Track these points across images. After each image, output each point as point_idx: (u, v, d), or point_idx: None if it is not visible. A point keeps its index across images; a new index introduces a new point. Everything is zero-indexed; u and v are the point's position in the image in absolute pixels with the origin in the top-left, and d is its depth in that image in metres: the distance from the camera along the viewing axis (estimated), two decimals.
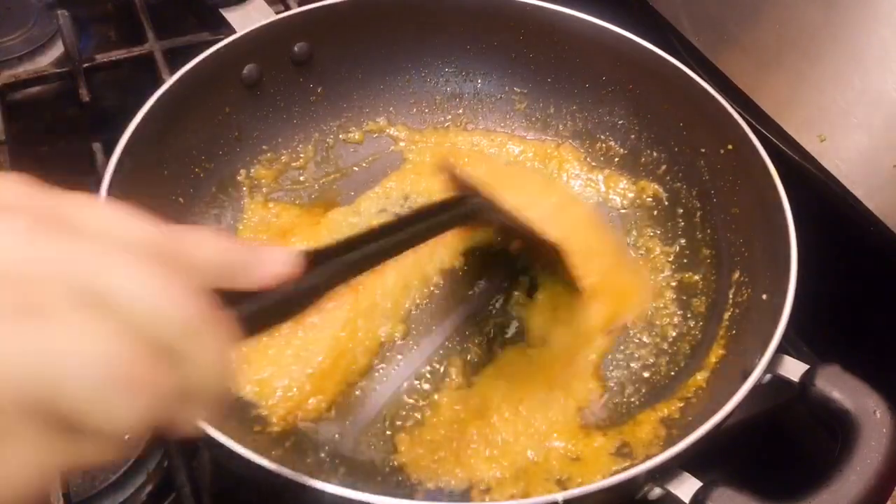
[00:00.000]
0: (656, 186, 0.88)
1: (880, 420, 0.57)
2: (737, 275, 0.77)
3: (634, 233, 0.87)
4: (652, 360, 0.76)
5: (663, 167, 0.88)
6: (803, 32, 0.80)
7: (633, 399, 0.73)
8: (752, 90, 0.85)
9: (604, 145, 0.93)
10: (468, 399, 0.71)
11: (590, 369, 0.74)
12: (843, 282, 0.82)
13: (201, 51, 0.79)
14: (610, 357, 0.76)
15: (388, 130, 0.94)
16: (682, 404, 0.70)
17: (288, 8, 1.00)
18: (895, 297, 0.79)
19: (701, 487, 0.55)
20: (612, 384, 0.74)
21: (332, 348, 0.73)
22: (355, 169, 0.91)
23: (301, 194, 0.88)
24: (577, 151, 0.93)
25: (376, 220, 0.84)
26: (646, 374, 0.75)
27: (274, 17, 0.86)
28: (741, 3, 0.86)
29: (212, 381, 0.34)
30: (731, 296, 0.76)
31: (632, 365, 0.75)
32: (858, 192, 0.76)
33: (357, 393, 0.72)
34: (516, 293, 0.80)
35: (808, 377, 0.60)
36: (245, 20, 0.88)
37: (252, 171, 0.86)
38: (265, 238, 0.81)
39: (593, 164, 0.93)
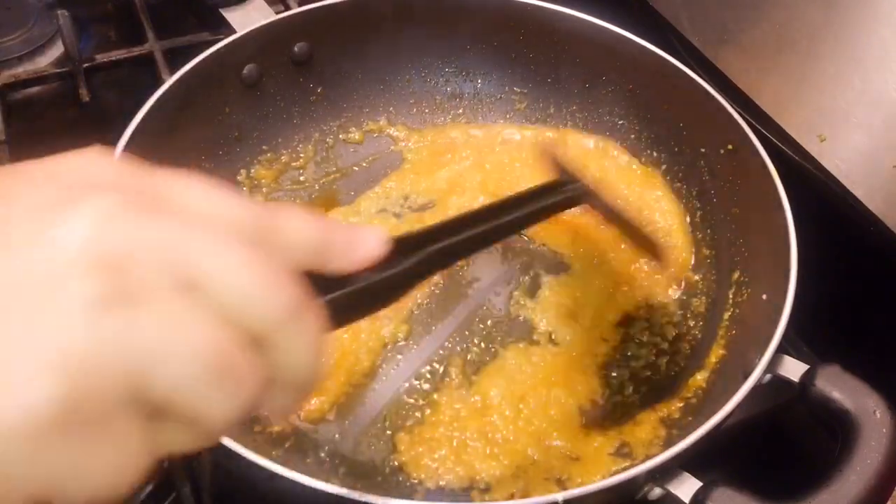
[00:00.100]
0: None
1: (880, 420, 0.57)
2: (737, 275, 0.77)
3: None
4: (652, 360, 0.76)
5: (663, 167, 0.88)
6: (803, 32, 0.80)
7: (633, 399, 0.73)
8: (752, 90, 0.85)
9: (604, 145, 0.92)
10: (468, 398, 0.71)
11: (593, 368, 0.74)
12: (843, 282, 0.82)
13: (201, 51, 0.79)
14: (610, 357, 0.76)
15: (388, 130, 0.94)
16: (682, 404, 0.70)
17: (288, 8, 1.00)
18: (895, 297, 0.79)
19: (701, 487, 0.55)
20: (612, 384, 0.74)
21: (335, 349, 0.73)
22: (355, 169, 0.91)
23: (301, 194, 0.88)
24: None
25: (376, 220, 0.85)
26: (646, 374, 0.75)
27: (274, 17, 0.86)
28: (741, 3, 0.86)
29: (304, 371, 0.32)
30: (731, 296, 0.76)
31: (632, 364, 0.75)
32: (858, 192, 0.76)
33: (357, 393, 0.72)
34: (517, 293, 0.80)
35: (808, 377, 0.60)
36: (245, 20, 0.88)
37: (252, 171, 0.86)
38: None
39: None
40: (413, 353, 0.75)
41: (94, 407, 0.26)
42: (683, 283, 0.81)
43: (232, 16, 0.91)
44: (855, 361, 0.61)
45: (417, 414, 0.70)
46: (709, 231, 0.83)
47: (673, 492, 0.56)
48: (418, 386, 0.73)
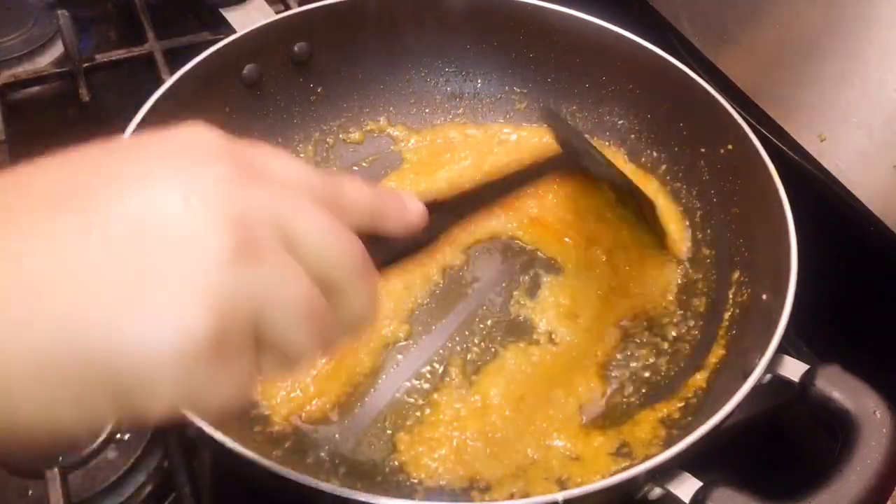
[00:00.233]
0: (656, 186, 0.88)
1: (880, 420, 0.57)
2: (737, 275, 0.77)
3: None
4: (652, 360, 0.76)
5: (663, 167, 0.88)
6: (803, 32, 0.80)
7: (632, 399, 0.73)
8: (752, 90, 0.85)
9: (604, 145, 0.92)
10: (468, 398, 0.71)
11: (593, 368, 0.74)
12: (843, 282, 0.82)
13: (201, 51, 0.80)
14: (610, 357, 0.76)
15: (388, 130, 0.94)
16: (682, 404, 0.70)
17: (288, 8, 1.00)
18: (895, 297, 0.79)
19: (701, 487, 0.55)
20: (612, 383, 0.74)
21: (336, 350, 0.73)
22: (355, 169, 0.91)
23: None
24: None
25: None
26: (646, 374, 0.75)
27: (274, 17, 0.86)
28: (741, 3, 0.86)
29: (365, 315, 0.39)
30: (731, 296, 0.76)
31: (632, 364, 0.75)
32: (858, 192, 0.76)
33: (357, 393, 0.72)
34: (517, 293, 0.80)
35: (808, 377, 0.60)
36: (245, 20, 0.88)
37: None
38: None
39: None
40: (413, 352, 0.75)
41: (231, 338, 0.32)
42: (681, 276, 0.81)
43: (232, 16, 0.91)
44: (855, 361, 0.61)
45: (417, 414, 0.70)
46: (709, 231, 0.83)
47: (673, 492, 0.56)
48: (418, 386, 0.73)
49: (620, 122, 0.92)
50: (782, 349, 0.62)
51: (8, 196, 0.32)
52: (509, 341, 0.76)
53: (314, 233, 0.35)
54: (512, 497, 0.64)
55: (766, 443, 0.80)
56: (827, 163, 0.78)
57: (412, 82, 0.95)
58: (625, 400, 0.73)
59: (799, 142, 0.80)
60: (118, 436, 0.70)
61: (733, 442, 0.67)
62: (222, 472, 0.71)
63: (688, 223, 0.85)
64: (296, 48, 0.87)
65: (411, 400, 0.72)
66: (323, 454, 0.68)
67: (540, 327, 0.77)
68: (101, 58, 0.98)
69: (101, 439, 0.69)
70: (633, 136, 0.91)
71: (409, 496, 0.65)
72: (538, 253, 0.83)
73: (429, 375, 0.73)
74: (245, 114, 0.86)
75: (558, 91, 0.94)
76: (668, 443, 0.63)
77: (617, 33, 0.87)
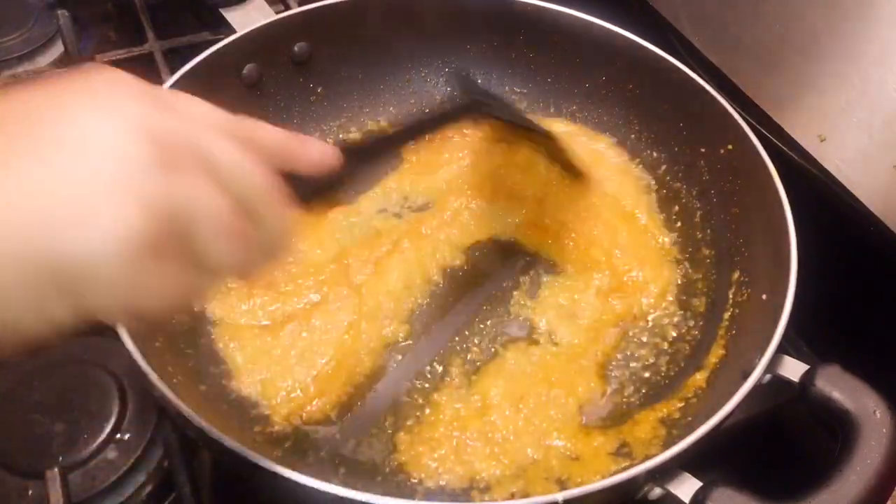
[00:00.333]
0: (656, 186, 0.88)
1: (880, 420, 0.57)
2: (737, 275, 0.77)
3: None
4: (652, 360, 0.76)
5: (663, 167, 0.88)
6: (803, 32, 0.80)
7: (632, 399, 0.73)
8: (752, 90, 0.85)
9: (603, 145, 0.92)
10: (468, 398, 0.71)
11: (593, 368, 0.74)
12: (843, 282, 0.82)
13: (201, 51, 0.80)
14: (610, 357, 0.76)
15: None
16: (681, 404, 0.70)
17: (288, 8, 1.00)
18: (895, 297, 0.79)
19: (701, 487, 0.55)
20: (612, 383, 0.74)
21: (337, 350, 0.73)
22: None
23: None
24: None
25: (376, 220, 0.85)
26: (646, 374, 0.75)
27: (274, 17, 0.87)
28: (741, 3, 0.86)
29: (283, 241, 0.44)
30: (731, 296, 0.76)
31: (632, 365, 0.75)
32: (858, 192, 0.76)
33: (358, 393, 0.72)
34: (516, 293, 0.80)
35: (808, 377, 0.60)
36: (245, 20, 0.88)
37: None
38: None
39: None
40: (413, 353, 0.75)
41: (163, 240, 0.37)
42: (681, 276, 0.81)
43: (232, 16, 0.91)
44: (855, 361, 0.61)
45: (417, 414, 0.70)
46: (709, 231, 0.83)
47: (673, 492, 0.56)
48: (419, 385, 0.73)
49: (620, 122, 0.92)
50: (782, 349, 0.62)
51: None
52: (509, 341, 0.76)
53: (229, 161, 0.40)
54: (512, 497, 0.64)
55: (766, 443, 0.80)
56: (827, 163, 0.78)
57: (412, 82, 0.95)
58: (625, 400, 0.73)
59: (799, 142, 0.81)
60: (118, 436, 0.70)
61: (733, 442, 0.67)
62: (222, 472, 0.71)
63: (687, 223, 0.85)
64: (296, 48, 0.87)
65: (411, 400, 0.72)
66: (323, 454, 0.68)
67: (540, 327, 0.77)
68: (101, 58, 0.98)
69: (101, 439, 0.69)
70: (633, 136, 0.91)
71: (409, 496, 0.65)
72: (538, 253, 0.83)
73: (429, 375, 0.73)
74: (245, 114, 0.84)
75: (558, 91, 0.94)
76: (668, 443, 0.63)
77: (617, 33, 0.87)
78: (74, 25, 0.95)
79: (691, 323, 0.78)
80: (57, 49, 1.03)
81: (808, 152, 0.80)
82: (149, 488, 0.69)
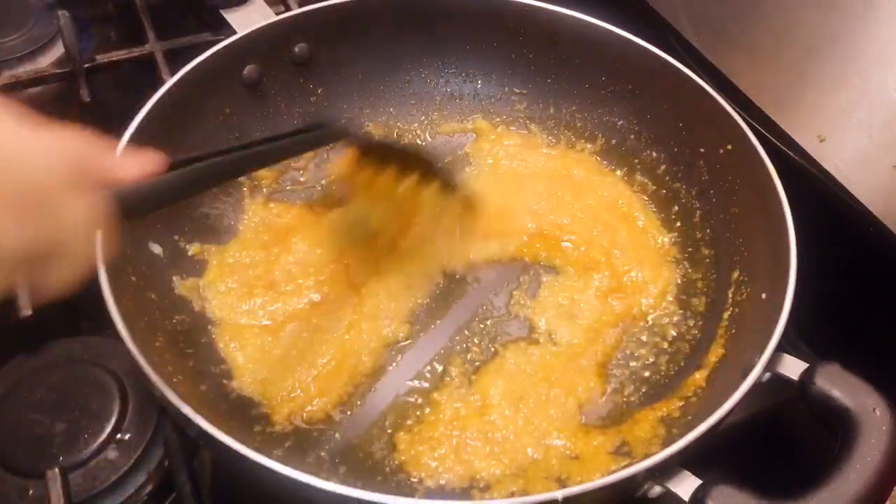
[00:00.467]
0: (656, 186, 0.88)
1: (880, 418, 0.57)
2: (736, 274, 0.77)
3: None
4: (652, 360, 0.76)
5: (663, 167, 0.89)
6: (803, 32, 0.80)
7: (632, 398, 0.73)
8: (752, 90, 0.85)
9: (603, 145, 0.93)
10: (468, 397, 0.71)
11: (593, 367, 0.74)
12: (843, 281, 0.82)
13: (202, 51, 0.80)
14: (610, 356, 0.76)
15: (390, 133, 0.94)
16: (681, 403, 0.70)
17: (288, 8, 1.00)
18: (895, 296, 0.79)
19: (700, 485, 0.55)
20: (612, 383, 0.74)
21: (337, 350, 0.73)
22: None
23: (301, 194, 0.88)
24: None
25: (376, 221, 0.84)
26: (646, 374, 0.75)
27: (274, 18, 0.87)
28: (741, 3, 0.86)
29: (80, 239, 0.44)
30: (730, 295, 0.76)
31: (632, 364, 0.75)
32: (858, 193, 0.76)
33: (358, 392, 0.72)
34: (517, 293, 0.80)
35: (807, 375, 0.60)
36: (245, 21, 0.89)
37: None
38: (266, 238, 0.82)
39: None
40: (413, 352, 0.75)
41: None
42: (681, 275, 0.81)
43: (232, 16, 0.91)
44: (854, 360, 0.61)
45: (417, 413, 0.71)
46: (708, 231, 0.83)
47: (672, 490, 0.56)
48: (419, 385, 0.73)
49: (620, 122, 0.92)
50: (781, 348, 0.62)
51: None
52: (509, 341, 0.76)
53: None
54: (512, 496, 0.64)
55: (765, 441, 0.80)
56: (826, 163, 0.78)
57: (412, 82, 0.95)
58: (624, 399, 0.73)
59: (798, 142, 0.81)
60: (119, 436, 0.70)
61: (733, 440, 0.67)
62: (222, 472, 0.71)
63: (687, 223, 0.85)
64: (296, 49, 0.87)
65: (411, 399, 0.72)
66: (323, 454, 0.68)
67: (540, 327, 0.77)
68: (101, 58, 0.98)
69: (101, 439, 0.69)
70: (632, 136, 0.91)
71: (409, 495, 0.65)
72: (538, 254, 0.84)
73: (429, 375, 0.73)
74: (245, 114, 0.86)
75: (558, 91, 0.94)
76: (668, 441, 0.63)
77: (617, 34, 0.87)
78: (74, 26, 0.95)
79: (691, 322, 0.78)
80: (57, 49, 1.03)
81: (807, 152, 0.80)
82: (149, 488, 0.69)
